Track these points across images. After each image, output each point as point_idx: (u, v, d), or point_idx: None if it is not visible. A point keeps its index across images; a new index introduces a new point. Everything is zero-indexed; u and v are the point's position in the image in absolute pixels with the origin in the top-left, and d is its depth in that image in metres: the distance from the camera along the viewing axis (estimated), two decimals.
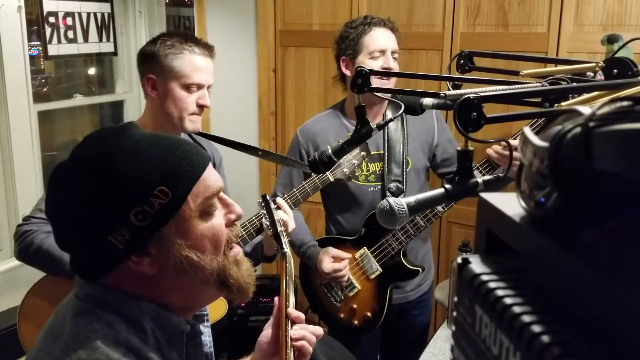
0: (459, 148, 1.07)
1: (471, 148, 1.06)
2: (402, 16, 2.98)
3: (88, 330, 0.86)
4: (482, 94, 1.02)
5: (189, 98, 1.76)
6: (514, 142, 1.88)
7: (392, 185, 2.11)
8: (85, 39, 3.30)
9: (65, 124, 3.56)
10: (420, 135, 2.18)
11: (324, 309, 2.21)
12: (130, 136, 0.89)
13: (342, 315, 2.18)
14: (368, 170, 2.13)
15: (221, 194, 0.96)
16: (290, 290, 1.44)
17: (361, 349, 2.23)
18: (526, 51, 2.72)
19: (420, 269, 2.14)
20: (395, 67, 2.05)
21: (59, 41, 3.14)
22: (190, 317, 0.99)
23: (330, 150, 1.58)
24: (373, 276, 2.13)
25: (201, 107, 1.80)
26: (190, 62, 1.75)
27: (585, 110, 0.35)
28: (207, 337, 1.07)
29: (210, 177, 0.93)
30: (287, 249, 1.60)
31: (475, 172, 1.93)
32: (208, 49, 1.81)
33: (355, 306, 2.16)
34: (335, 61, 2.15)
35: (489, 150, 1.92)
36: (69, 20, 3.18)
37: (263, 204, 1.72)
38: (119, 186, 0.84)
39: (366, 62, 2.01)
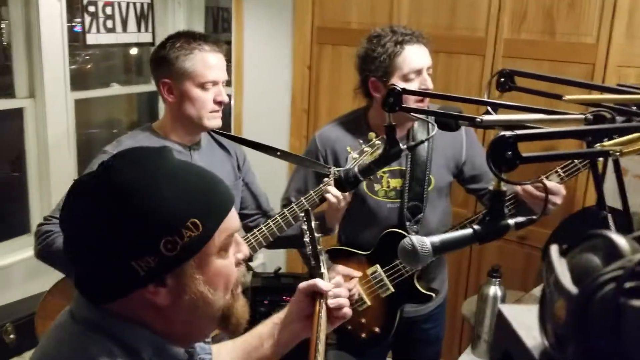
0: (490, 188, 1.01)
1: (504, 189, 1.00)
2: (444, 18, 2.89)
3: (85, 358, 0.83)
4: (518, 132, 0.95)
5: (205, 96, 1.75)
6: (550, 184, 1.77)
7: (411, 204, 2.02)
8: (124, 29, 3.31)
9: (102, 111, 3.59)
10: (446, 151, 2.07)
11: None
12: (170, 162, 0.87)
13: (349, 327, 2.13)
14: (388, 187, 2.03)
15: (235, 234, 0.95)
16: (322, 329, 1.34)
17: (368, 356, 2.19)
18: (573, 62, 2.60)
19: (433, 294, 2.07)
20: (430, 84, 1.93)
21: (98, 30, 3.15)
22: (187, 346, 0.97)
23: (356, 169, 1.54)
24: (384, 295, 2.06)
25: (219, 103, 1.78)
26: (201, 60, 1.73)
27: (629, 252, 0.29)
28: (207, 356, 1.05)
29: (233, 215, 0.92)
30: (324, 270, 1.53)
31: None
32: (217, 44, 1.78)
33: (363, 320, 2.10)
34: (360, 77, 2.00)
35: (518, 188, 1.81)
36: (108, 10, 3.19)
37: (305, 219, 1.66)
38: (156, 212, 0.81)
39: (400, 85, 1.84)
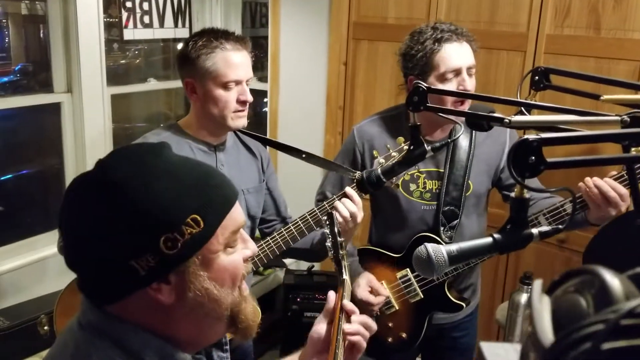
0: (512, 195, 0.95)
1: (527, 196, 0.94)
2: (484, 13, 2.79)
3: None
4: (542, 136, 0.89)
5: (228, 96, 1.71)
6: (620, 188, 1.62)
7: (447, 208, 1.94)
8: (161, 24, 3.33)
9: (142, 106, 3.62)
10: (489, 157, 1.97)
11: None
12: (168, 158, 0.85)
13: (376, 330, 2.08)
14: (424, 187, 1.96)
15: (240, 230, 0.92)
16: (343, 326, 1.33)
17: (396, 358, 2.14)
18: (619, 58, 2.48)
19: (464, 304, 1.98)
20: (471, 85, 1.82)
21: (135, 26, 3.18)
22: (195, 352, 0.94)
23: (379, 170, 1.48)
24: (413, 300, 1.99)
25: (243, 103, 1.74)
26: (222, 59, 1.68)
27: (621, 297, 0.24)
28: None
29: (237, 210, 0.89)
30: (346, 276, 1.49)
31: (541, 219, 1.75)
32: (240, 42, 1.73)
33: (390, 325, 2.04)
34: (402, 74, 1.94)
35: (590, 183, 1.64)
36: (145, 5, 3.21)
37: (327, 223, 1.62)
38: (153, 209, 0.79)
39: (437, 85, 1.80)
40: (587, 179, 1.67)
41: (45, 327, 2.52)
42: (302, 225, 1.81)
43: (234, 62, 1.70)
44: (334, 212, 1.64)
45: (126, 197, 0.79)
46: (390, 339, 2.05)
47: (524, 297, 1.65)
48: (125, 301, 0.83)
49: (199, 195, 0.83)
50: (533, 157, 0.89)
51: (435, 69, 1.80)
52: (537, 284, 0.32)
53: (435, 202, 1.96)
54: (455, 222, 1.95)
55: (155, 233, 0.79)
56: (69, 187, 0.85)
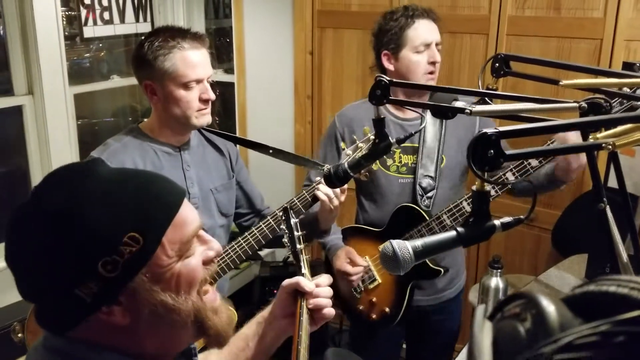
0: (474, 188, 0.96)
1: (487, 188, 0.95)
2: None
3: None
4: (500, 130, 0.90)
5: (190, 96, 1.67)
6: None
7: (424, 180, 2.01)
8: (122, 20, 3.26)
9: (107, 102, 3.56)
10: (459, 132, 2.04)
11: (343, 297, 2.14)
12: (98, 176, 0.81)
13: (360, 307, 2.12)
14: (400, 162, 2.03)
15: (200, 231, 0.89)
16: (303, 332, 1.31)
17: (381, 344, 2.19)
18: (579, 37, 2.51)
19: (442, 270, 2.02)
20: (439, 57, 1.97)
21: (95, 23, 3.11)
22: None
23: (346, 165, 1.49)
24: None
25: (205, 101, 1.71)
26: (181, 59, 1.64)
27: (556, 327, 0.24)
28: None
29: (186, 214, 0.85)
30: (305, 271, 1.49)
31: (509, 175, 1.79)
32: (198, 39, 1.69)
33: (374, 299, 2.09)
34: (374, 54, 2.04)
35: (560, 158, 1.72)
36: (104, 1, 3.14)
37: (284, 218, 1.61)
38: (85, 235, 0.76)
39: (411, 56, 1.94)
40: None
41: (20, 335, 2.48)
42: (265, 229, 1.79)
43: (193, 61, 1.66)
44: (288, 207, 1.64)
45: (59, 227, 0.77)
46: (374, 316, 2.09)
47: (493, 282, 1.68)
48: (81, 327, 0.81)
49: (135, 210, 0.79)
50: (492, 151, 0.90)
51: (410, 42, 1.94)
52: (480, 310, 0.32)
53: (412, 175, 2.03)
54: (432, 192, 2.01)
55: (92, 259, 0.76)
56: (9, 221, 0.82)
